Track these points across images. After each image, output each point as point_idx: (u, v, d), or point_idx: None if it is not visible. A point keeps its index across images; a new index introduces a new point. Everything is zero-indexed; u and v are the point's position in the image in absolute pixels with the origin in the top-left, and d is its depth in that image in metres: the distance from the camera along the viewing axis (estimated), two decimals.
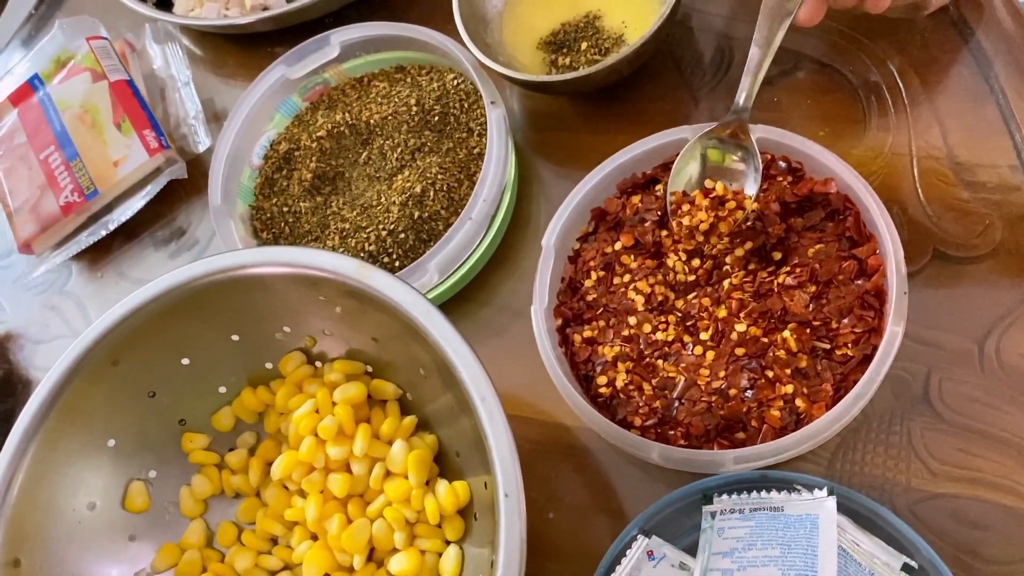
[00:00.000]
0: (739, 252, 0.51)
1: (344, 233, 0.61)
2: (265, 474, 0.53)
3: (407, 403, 0.52)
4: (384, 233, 0.59)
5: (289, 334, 0.52)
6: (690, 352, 0.49)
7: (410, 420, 0.50)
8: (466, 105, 0.62)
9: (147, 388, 0.51)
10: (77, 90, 0.73)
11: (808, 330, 0.47)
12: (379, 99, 0.65)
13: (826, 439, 0.45)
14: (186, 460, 0.53)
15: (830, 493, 0.44)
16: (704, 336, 0.49)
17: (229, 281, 0.48)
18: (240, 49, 0.79)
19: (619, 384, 0.50)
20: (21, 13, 0.92)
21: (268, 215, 0.65)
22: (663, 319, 0.51)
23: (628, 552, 0.46)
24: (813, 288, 0.48)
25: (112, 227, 0.71)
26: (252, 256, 0.47)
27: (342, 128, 0.65)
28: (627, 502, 0.50)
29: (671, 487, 0.47)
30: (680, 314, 0.51)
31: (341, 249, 0.60)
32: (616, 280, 0.53)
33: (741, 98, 0.51)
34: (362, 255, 0.58)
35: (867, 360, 0.45)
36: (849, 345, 0.46)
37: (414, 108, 0.62)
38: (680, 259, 0.52)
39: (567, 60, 0.61)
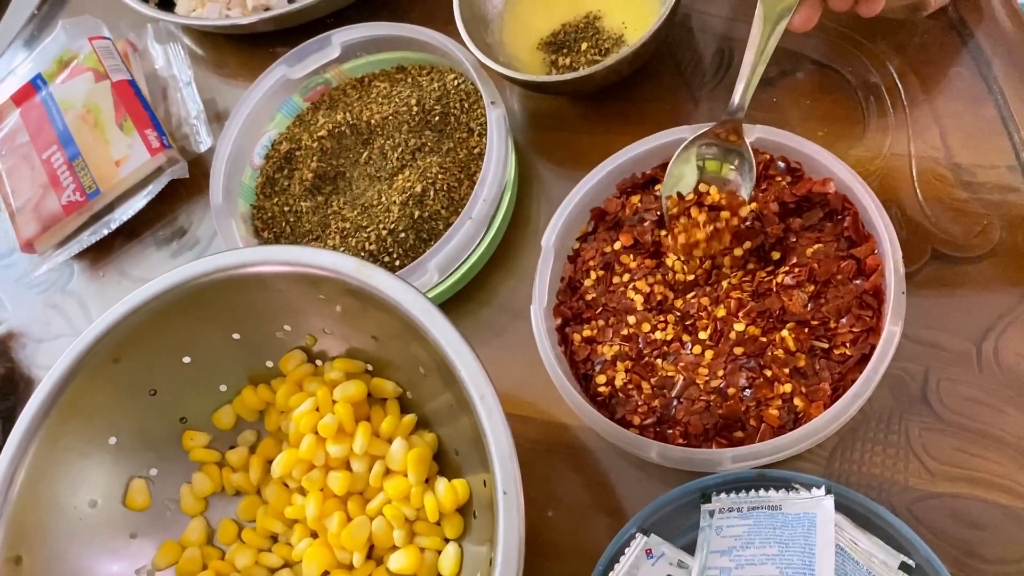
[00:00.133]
0: (738, 252, 0.51)
1: (345, 232, 0.61)
2: (265, 472, 0.53)
3: (407, 401, 0.52)
4: (384, 232, 0.59)
5: (290, 333, 0.52)
6: (689, 351, 0.50)
7: (410, 418, 0.50)
8: (466, 105, 0.63)
9: (148, 386, 0.51)
10: (79, 90, 0.74)
11: (806, 329, 0.48)
12: (380, 99, 0.65)
13: (824, 438, 0.45)
14: (187, 458, 0.53)
15: (828, 492, 0.44)
16: (703, 335, 0.50)
17: (230, 280, 0.48)
18: (241, 49, 0.79)
19: (618, 383, 0.50)
20: (24, 13, 0.92)
21: (269, 214, 0.66)
22: (662, 318, 0.51)
23: (626, 550, 0.46)
24: (811, 288, 0.48)
25: (114, 226, 0.72)
26: (253, 255, 0.48)
27: (343, 128, 0.65)
28: (626, 501, 0.51)
29: (669, 486, 0.47)
30: (679, 313, 0.51)
31: (342, 248, 0.60)
32: (615, 279, 0.53)
33: (735, 100, 0.51)
34: (363, 254, 0.59)
35: (865, 359, 0.45)
36: (847, 344, 0.47)
37: (415, 108, 0.63)
38: (679, 259, 0.52)
39: (567, 60, 0.61)
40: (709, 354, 0.49)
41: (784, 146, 0.52)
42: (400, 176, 0.61)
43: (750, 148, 0.50)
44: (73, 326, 0.72)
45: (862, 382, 0.44)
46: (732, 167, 0.52)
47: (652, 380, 0.50)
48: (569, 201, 0.55)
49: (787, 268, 0.49)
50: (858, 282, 0.48)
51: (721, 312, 0.50)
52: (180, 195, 0.74)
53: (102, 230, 0.72)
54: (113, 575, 0.50)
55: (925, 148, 0.53)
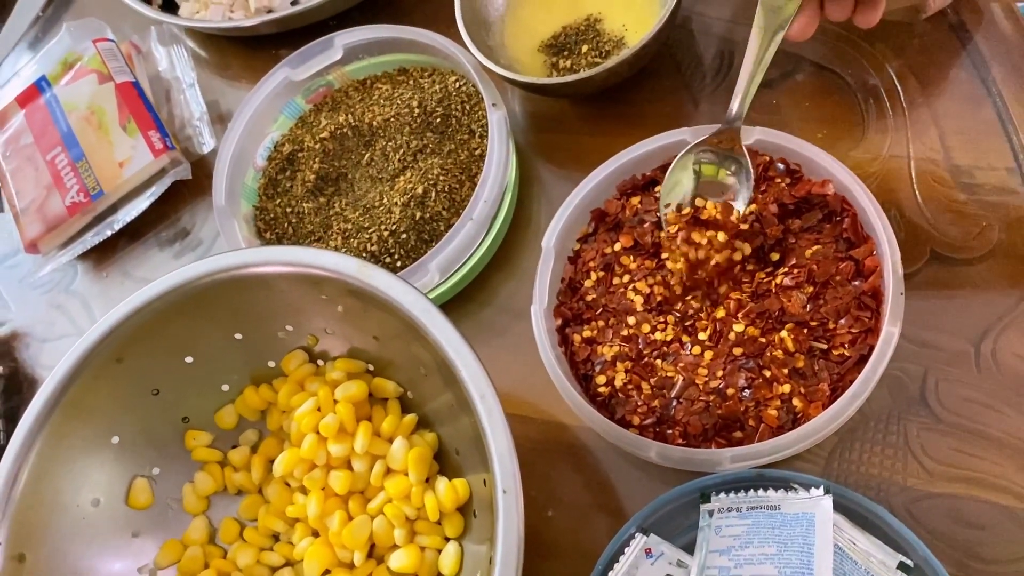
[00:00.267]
0: (736, 257, 0.51)
1: (347, 234, 0.61)
2: (267, 471, 0.53)
3: (408, 401, 0.52)
4: (386, 234, 0.59)
5: (291, 333, 0.53)
6: (688, 352, 0.50)
7: (410, 418, 0.50)
8: (468, 107, 0.63)
9: (151, 386, 0.52)
10: (83, 91, 0.74)
11: (805, 330, 0.48)
12: (382, 101, 0.66)
13: (823, 438, 0.45)
14: (189, 457, 0.54)
15: (826, 492, 0.44)
16: (702, 336, 0.50)
17: (232, 280, 0.48)
18: (244, 51, 0.79)
19: (618, 383, 0.50)
20: (28, 16, 0.93)
21: (271, 216, 0.66)
22: (662, 319, 0.51)
23: (626, 550, 0.46)
24: (810, 289, 0.48)
25: (117, 227, 0.72)
26: (255, 255, 0.48)
27: (345, 130, 0.65)
28: (625, 501, 0.51)
29: (669, 486, 0.47)
30: (679, 314, 0.51)
31: (344, 249, 0.60)
32: (615, 280, 0.54)
33: (733, 110, 0.51)
34: (364, 255, 0.59)
35: (864, 360, 0.45)
36: (846, 345, 0.47)
37: (416, 110, 0.63)
38: (679, 260, 0.52)
39: (568, 63, 0.62)
40: (708, 355, 0.49)
41: (783, 148, 0.52)
42: (402, 177, 0.62)
43: (748, 157, 0.51)
44: (76, 326, 0.73)
45: (860, 382, 0.44)
46: (730, 173, 0.52)
47: (652, 380, 0.50)
48: (569, 202, 0.55)
49: (786, 269, 0.50)
50: (857, 283, 0.48)
51: (720, 313, 0.50)
52: (183, 196, 0.74)
53: (105, 231, 0.72)
54: (115, 573, 0.50)
55: (924, 150, 0.54)
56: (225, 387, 0.54)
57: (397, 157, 0.62)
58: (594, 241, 0.55)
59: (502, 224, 0.59)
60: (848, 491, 0.44)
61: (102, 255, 0.75)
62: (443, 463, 0.51)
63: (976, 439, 0.46)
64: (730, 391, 0.48)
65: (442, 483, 0.48)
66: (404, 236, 0.59)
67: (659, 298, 0.52)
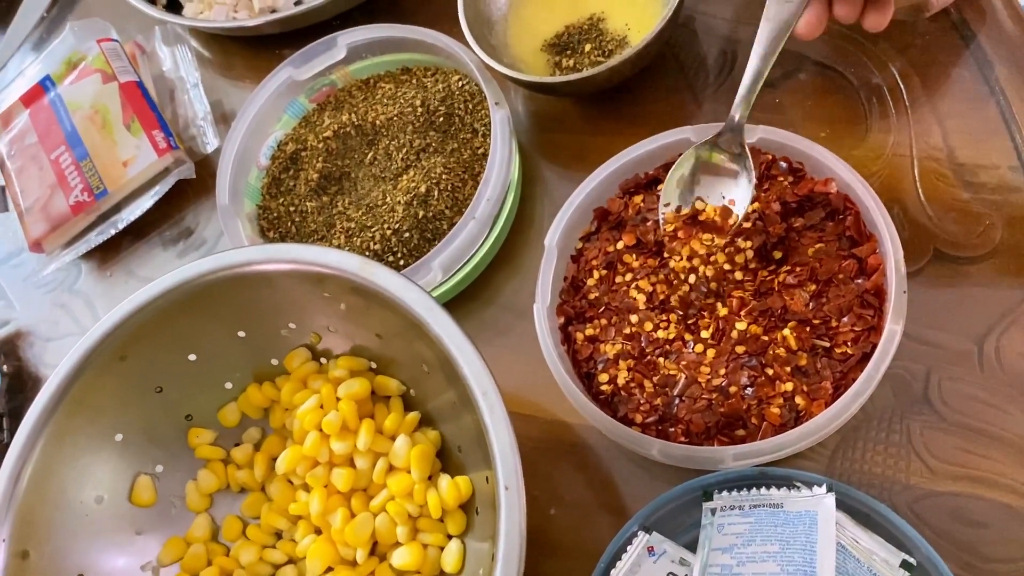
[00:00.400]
0: (739, 259, 0.51)
1: (350, 232, 0.61)
2: (270, 469, 0.53)
3: (410, 399, 0.52)
4: (389, 232, 0.59)
5: (294, 331, 0.53)
6: (691, 350, 0.50)
7: (413, 416, 0.51)
8: (471, 106, 0.63)
9: (154, 383, 0.52)
10: (87, 91, 0.74)
11: (808, 328, 0.48)
12: (385, 100, 0.66)
13: (825, 436, 0.45)
14: (192, 455, 0.54)
15: (829, 490, 0.44)
16: (705, 334, 0.50)
17: (235, 278, 0.48)
18: (248, 51, 0.80)
19: (620, 381, 0.50)
20: (33, 16, 0.93)
21: (275, 215, 0.66)
22: (664, 317, 0.51)
23: (629, 548, 0.46)
24: (813, 287, 0.48)
25: (121, 226, 0.72)
26: (258, 253, 0.48)
27: (348, 129, 0.65)
28: (628, 499, 0.51)
29: (671, 484, 0.47)
30: (681, 313, 0.51)
31: (347, 248, 0.60)
32: (618, 279, 0.54)
33: (736, 116, 0.51)
34: (367, 254, 0.59)
35: (866, 358, 0.45)
36: (849, 343, 0.47)
37: (419, 109, 0.63)
38: (681, 259, 0.52)
39: (571, 62, 0.62)
40: (711, 353, 0.49)
41: (786, 146, 0.52)
42: (405, 176, 0.62)
43: (750, 159, 0.50)
44: (80, 325, 0.73)
45: (863, 380, 0.44)
46: (732, 173, 0.52)
47: (654, 378, 0.50)
48: (572, 201, 0.55)
49: (789, 267, 0.50)
50: (859, 281, 0.48)
51: (723, 311, 0.50)
52: (187, 196, 0.74)
53: (109, 230, 0.72)
54: (119, 570, 0.50)
55: (927, 148, 0.54)
56: (228, 385, 0.54)
57: (400, 156, 0.63)
58: (597, 240, 0.55)
59: (505, 223, 0.59)
60: (851, 489, 0.44)
61: (106, 254, 0.75)
62: (445, 461, 0.51)
63: (979, 438, 0.46)
64: (733, 389, 0.48)
65: (444, 480, 0.48)
66: (407, 235, 0.59)
67: (661, 296, 0.52)
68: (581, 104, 0.64)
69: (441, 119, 0.63)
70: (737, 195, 0.51)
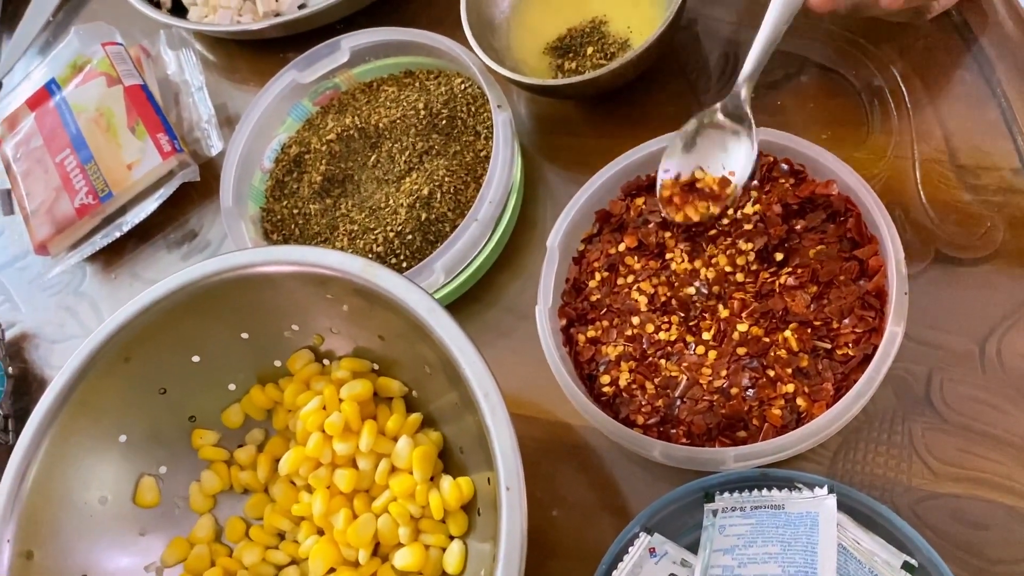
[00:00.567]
0: (740, 261, 0.51)
1: (352, 235, 0.62)
2: (273, 470, 0.53)
3: (413, 400, 0.52)
4: (392, 235, 0.59)
5: (297, 332, 0.53)
6: (692, 352, 0.50)
7: (415, 417, 0.51)
8: (473, 109, 0.63)
9: (158, 385, 0.52)
10: (92, 94, 0.75)
11: (809, 330, 0.48)
12: (388, 103, 0.66)
13: (826, 437, 0.45)
14: (196, 456, 0.54)
15: (830, 491, 0.44)
16: (706, 336, 0.50)
17: (239, 279, 0.49)
18: (252, 54, 0.80)
19: (622, 383, 0.50)
20: (39, 20, 0.94)
21: (278, 217, 0.66)
22: (666, 319, 0.52)
23: (630, 549, 0.46)
24: (814, 288, 0.48)
25: (126, 229, 0.73)
26: (261, 255, 0.48)
27: (351, 132, 0.66)
28: (630, 500, 0.51)
29: (673, 485, 0.47)
30: (682, 314, 0.51)
31: (350, 250, 0.61)
32: (620, 281, 0.54)
33: (743, 85, 0.51)
34: (370, 256, 0.59)
35: (868, 360, 0.45)
36: (850, 345, 0.47)
37: (422, 112, 0.63)
38: (683, 260, 0.52)
39: (573, 64, 0.62)
40: (712, 354, 0.49)
41: (788, 148, 0.52)
42: (407, 179, 0.62)
43: (754, 128, 0.50)
44: (85, 327, 0.73)
45: (864, 382, 0.44)
46: (735, 143, 0.51)
47: (656, 380, 0.50)
48: (574, 203, 0.55)
49: (790, 269, 0.50)
50: (861, 283, 0.48)
51: (724, 313, 0.50)
52: (191, 198, 0.75)
53: (114, 232, 0.73)
54: (122, 571, 0.50)
55: (929, 151, 0.54)
56: (232, 386, 0.55)
57: (403, 159, 0.63)
58: (598, 242, 0.56)
59: (507, 225, 0.59)
60: (852, 491, 0.44)
61: (111, 257, 0.75)
62: (448, 462, 0.51)
63: (981, 439, 0.46)
64: (734, 390, 0.48)
65: (446, 481, 0.48)
66: (410, 237, 0.59)
67: (663, 298, 0.52)
68: (583, 107, 0.65)
69: (444, 122, 0.63)
70: (737, 166, 0.50)
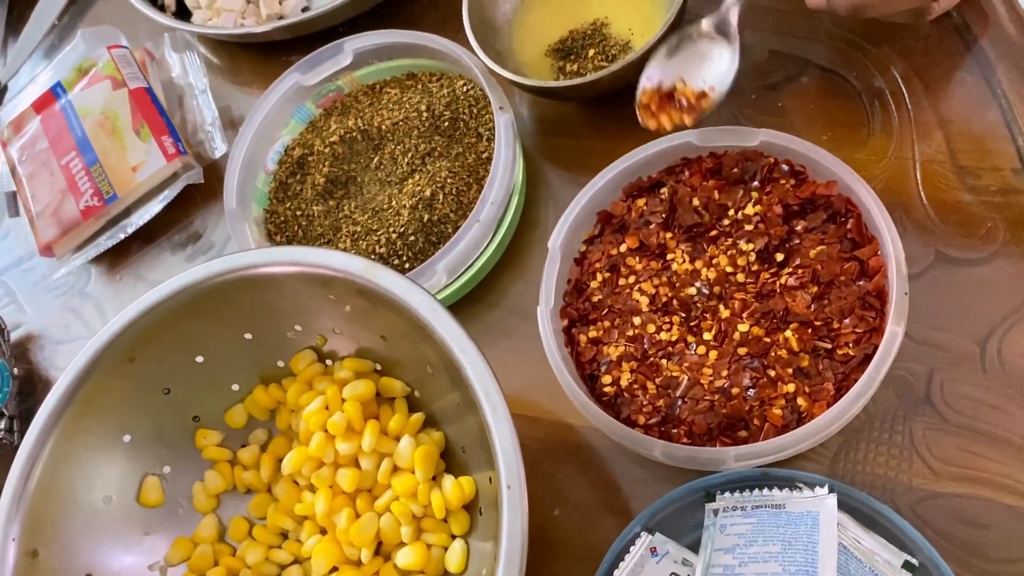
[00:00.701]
0: (741, 262, 0.51)
1: (355, 236, 0.62)
2: (276, 470, 0.54)
3: (415, 400, 0.53)
4: (394, 236, 0.60)
5: (300, 333, 0.53)
6: (693, 352, 0.50)
7: (417, 417, 0.51)
8: (475, 111, 0.64)
9: (162, 385, 0.52)
10: (98, 97, 0.75)
11: (810, 330, 0.48)
12: (391, 105, 0.66)
13: (827, 437, 0.45)
14: (199, 456, 0.54)
15: (831, 491, 0.44)
16: (707, 336, 0.50)
17: (242, 280, 0.49)
18: (256, 57, 0.80)
19: (623, 383, 0.51)
20: (45, 24, 0.94)
21: (282, 219, 0.67)
22: (667, 319, 0.52)
23: (632, 549, 0.46)
24: (815, 289, 0.49)
25: (130, 231, 0.73)
26: (264, 255, 0.49)
27: (354, 134, 0.66)
28: (631, 500, 0.51)
29: (674, 485, 0.47)
30: (683, 315, 0.52)
31: (352, 252, 0.61)
32: (621, 281, 0.54)
33: None
34: (373, 257, 0.60)
35: (868, 360, 0.46)
36: (850, 345, 0.47)
37: (425, 114, 0.64)
38: (684, 260, 0.53)
39: (575, 66, 0.62)
40: (713, 354, 0.49)
41: (789, 149, 0.52)
42: (410, 180, 0.62)
43: (738, 42, 0.50)
44: (90, 329, 0.74)
45: (864, 381, 0.44)
46: (720, 56, 0.51)
47: (657, 380, 0.50)
48: (576, 204, 0.55)
49: (791, 269, 0.50)
50: (861, 283, 0.48)
51: (725, 313, 0.50)
52: (195, 200, 0.75)
53: (119, 234, 0.73)
54: (126, 570, 0.50)
55: (929, 151, 0.54)
56: (235, 386, 0.55)
57: (405, 160, 0.63)
58: (600, 242, 0.56)
59: (509, 226, 0.60)
60: (853, 490, 0.44)
61: (115, 258, 0.76)
62: (449, 461, 0.51)
63: (982, 439, 0.46)
64: (735, 390, 0.48)
65: (448, 481, 0.48)
66: (412, 238, 0.59)
67: (664, 299, 0.52)
68: (585, 108, 0.65)
69: (446, 124, 0.63)
70: (717, 80, 0.51)
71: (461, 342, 0.42)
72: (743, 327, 0.49)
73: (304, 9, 0.76)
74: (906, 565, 0.42)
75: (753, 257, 0.51)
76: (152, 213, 0.73)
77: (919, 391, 0.48)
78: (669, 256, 0.53)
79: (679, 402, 0.49)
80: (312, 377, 0.53)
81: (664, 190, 0.55)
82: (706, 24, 0.52)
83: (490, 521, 0.46)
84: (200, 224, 0.74)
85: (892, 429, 0.48)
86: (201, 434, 0.54)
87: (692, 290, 0.51)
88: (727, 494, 0.47)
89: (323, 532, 0.51)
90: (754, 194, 0.53)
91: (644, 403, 0.50)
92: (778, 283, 0.50)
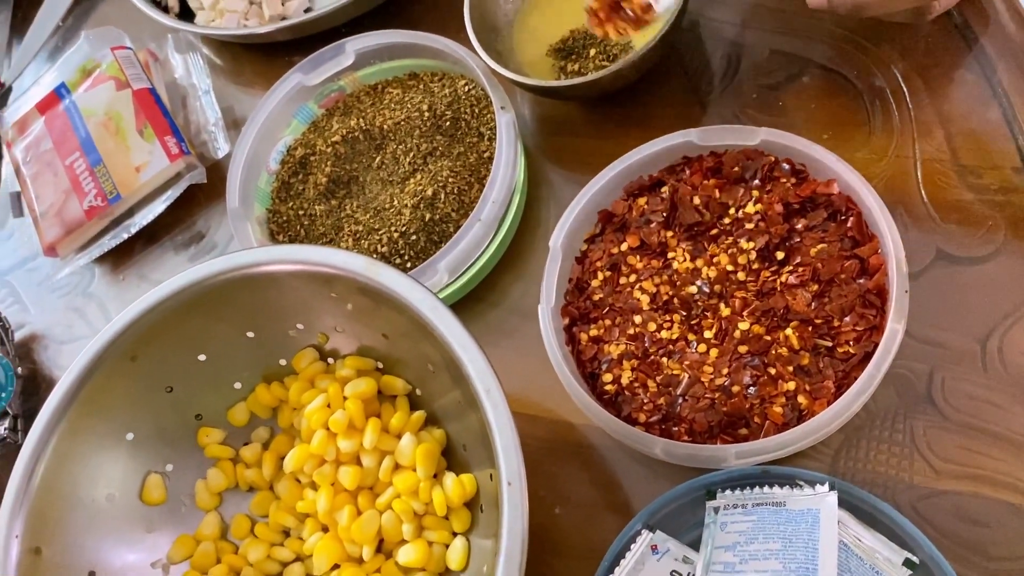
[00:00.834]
0: (742, 260, 0.51)
1: (357, 235, 0.62)
2: (278, 468, 0.54)
3: (416, 398, 0.53)
4: (396, 235, 0.60)
5: (302, 331, 0.53)
6: (694, 350, 0.50)
7: (419, 415, 0.51)
8: (477, 111, 0.64)
9: (164, 383, 0.52)
10: (102, 98, 0.76)
11: (810, 328, 0.48)
12: (392, 105, 0.67)
13: (827, 435, 0.45)
14: (202, 454, 0.55)
15: (831, 488, 0.44)
16: (708, 334, 0.50)
17: (244, 279, 0.49)
18: (258, 58, 0.81)
19: (624, 381, 0.51)
20: (49, 25, 0.95)
21: (284, 218, 0.67)
22: (668, 318, 0.52)
23: (632, 546, 0.46)
24: (815, 287, 0.49)
25: (134, 231, 0.73)
26: (266, 254, 0.49)
27: (356, 134, 0.66)
28: (632, 498, 0.51)
29: (675, 483, 0.47)
30: (684, 313, 0.52)
31: (355, 251, 0.61)
32: (622, 280, 0.54)
33: None
34: (375, 256, 0.60)
35: (868, 358, 0.46)
36: (851, 343, 0.47)
37: (426, 114, 0.64)
38: (684, 259, 0.53)
39: (576, 66, 0.62)
40: (714, 352, 0.50)
41: (789, 148, 0.52)
42: (412, 180, 0.62)
43: None
44: (94, 328, 0.74)
45: (865, 379, 0.44)
46: None
47: (658, 378, 0.50)
48: (577, 203, 0.55)
49: (791, 268, 0.50)
50: (861, 281, 0.48)
51: (726, 311, 0.50)
52: (198, 200, 0.75)
53: (122, 234, 0.73)
54: (129, 567, 0.51)
55: (930, 150, 0.54)
56: (237, 385, 0.55)
57: (407, 160, 0.63)
58: (601, 241, 0.56)
59: (510, 225, 0.60)
60: (854, 488, 0.44)
61: (119, 258, 0.76)
62: (451, 459, 0.51)
63: (982, 437, 0.46)
64: (735, 388, 0.48)
65: (450, 479, 0.48)
66: (414, 237, 0.60)
67: (665, 297, 0.52)
68: (586, 108, 0.65)
69: (448, 123, 0.64)
70: None
71: (462, 340, 0.42)
72: (744, 325, 0.49)
73: (307, 10, 0.77)
74: (907, 563, 0.42)
75: (754, 255, 0.51)
76: (155, 213, 0.73)
77: (920, 389, 0.48)
78: (670, 255, 0.53)
79: (680, 400, 0.49)
80: (314, 375, 0.54)
81: (665, 189, 0.55)
82: None
83: (491, 518, 0.46)
84: (203, 224, 0.75)
85: (893, 427, 0.48)
86: (203, 432, 0.54)
87: (693, 288, 0.52)
88: (728, 492, 0.47)
89: (325, 530, 0.51)
90: (755, 193, 0.53)
91: (645, 401, 0.50)
92: (779, 281, 0.50)
